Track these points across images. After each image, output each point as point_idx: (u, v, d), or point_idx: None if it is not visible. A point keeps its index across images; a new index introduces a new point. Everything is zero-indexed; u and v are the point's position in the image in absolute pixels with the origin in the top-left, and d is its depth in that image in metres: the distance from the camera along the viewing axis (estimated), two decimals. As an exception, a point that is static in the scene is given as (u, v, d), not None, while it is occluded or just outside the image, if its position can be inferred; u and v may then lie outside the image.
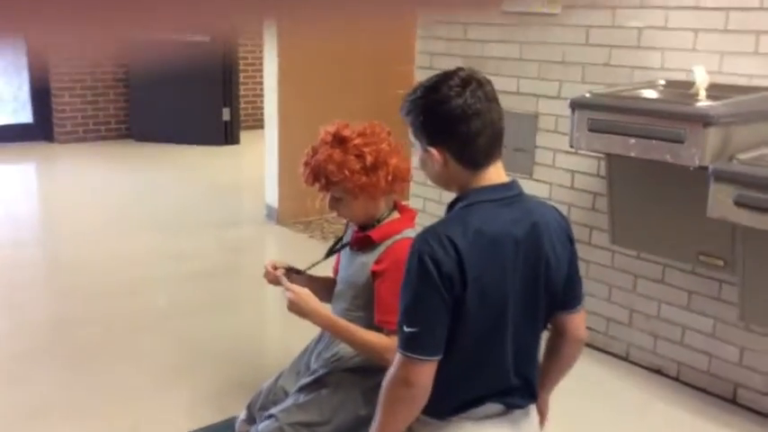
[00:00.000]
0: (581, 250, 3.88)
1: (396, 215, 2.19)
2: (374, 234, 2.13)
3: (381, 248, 2.10)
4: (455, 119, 1.56)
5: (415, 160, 1.71)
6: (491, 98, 1.60)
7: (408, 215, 2.19)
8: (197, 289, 4.59)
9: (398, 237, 2.08)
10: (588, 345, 3.80)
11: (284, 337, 4.01)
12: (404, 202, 2.26)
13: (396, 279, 1.92)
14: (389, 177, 2.10)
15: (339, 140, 2.11)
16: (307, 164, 2.16)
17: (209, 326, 4.05)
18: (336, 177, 2.08)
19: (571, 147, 3.14)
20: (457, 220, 1.59)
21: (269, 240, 5.97)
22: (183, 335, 3.93)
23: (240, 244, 5.67)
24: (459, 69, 1.60)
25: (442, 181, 1.67)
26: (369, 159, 2.07)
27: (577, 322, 1.80)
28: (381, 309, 2.04)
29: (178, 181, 7.34)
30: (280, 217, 5.95)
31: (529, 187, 3.81)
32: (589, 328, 3.81)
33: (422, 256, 1.52)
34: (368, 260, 2.13)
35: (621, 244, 3.49)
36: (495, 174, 1.63)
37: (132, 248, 5.33)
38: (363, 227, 2.22)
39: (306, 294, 2.09)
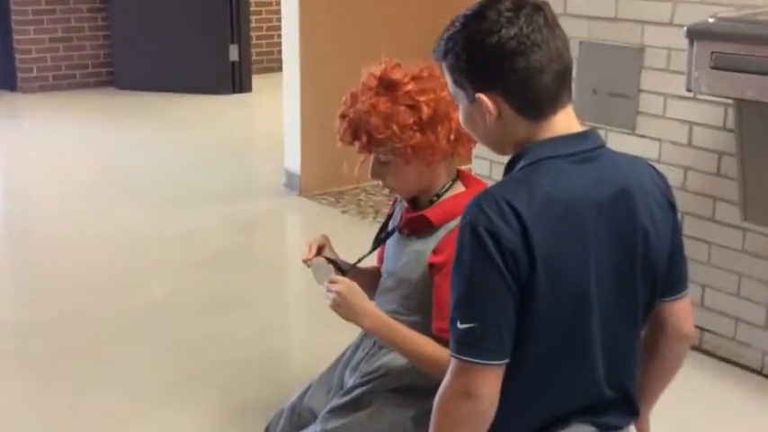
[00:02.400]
0: (701, 228, 3.84)
1: (460, 188, 2.18)
2: (432, 213, 2.12)
3: (442, 233, 2.08)
4: (509, 53, 1.57)
5: (459, 117, 1.72)
6: (552, 23, 1.62)
7: (477, 188, 2.15)
8: (198, 281, 4.63)
9: None
10: (710, 353, 3.76)
11: (311, 342, 4.03)
12: (469, 169, 2.25)
13: None
14: (452, 136, 2.09)
15: (387, 85, 2.10)
16: (344, 116, 2.16)
17: (215, 329, 4.09)
18: (382, 134, 2.07)
19: (688, 90, 3.09)
20: (519, 182, 1.60)
21: (289, 217, 6.01)
22: (182, 340, 3.98)
23: (253, 222, 5.71)
24: None
25: (497, 139, 1.67)
26: (426, 112, 2.07)
27: (682, 313, 1.81)
28: (442, 313, 2.03)
29: (173, 141, 7.42)
30: (303, 187, 5.98)
31: (630, 146, 3.76)
32: (711, 332, 3.76)
33: (475, 228, 1.54)
34: (424, 248, 2.12)
35: (756, 221, 3.42)
36: (565, 122, 1.64)
37: (116, 228, 5.40)
38: (416, 203, 2.21)
39: (356, 289, 2.10)
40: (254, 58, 9.55)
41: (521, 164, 1.63)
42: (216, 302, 4.36)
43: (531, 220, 1.53)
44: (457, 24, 1.63)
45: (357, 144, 2.14)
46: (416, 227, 2.15)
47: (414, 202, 2.22)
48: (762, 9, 3.15)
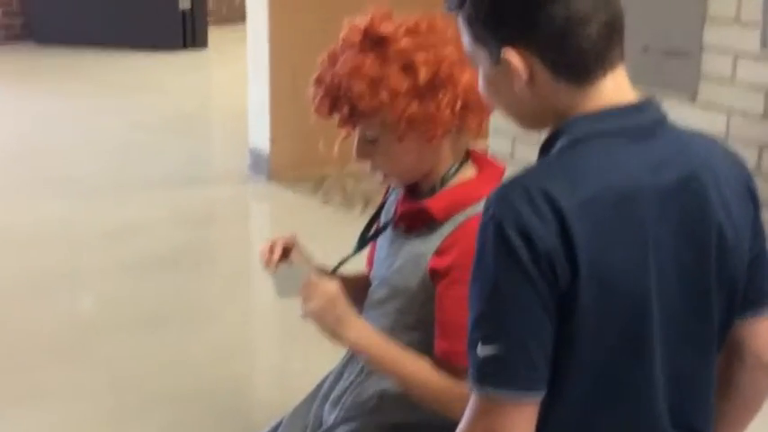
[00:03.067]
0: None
1: (470, 172, 2.18)
2: (434, 204, 2.12)
3: (447, 229, 2.08)
4: None
5: (479, 84, 1.71)
6: None
7: (491, 172, 2.16)
8: (139, 288, 4.63)
9: (477, 210, 2.05)
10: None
11: (282, 368, 4.04)
12: (484, 149, 2.25)
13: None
14: (458, 104, 2.08)
15: (374, 41, 2.09)
16: (319, 81, 2.15)
17: (160, 349, 4.08)
18: (368, 103, 2.07)
19: (765, 47, 3.11)
20: (557, 167, 1.59)
21: (255, 208, 6.01)
22: (117, 364, 3.97)
23: (209, 214, 5.72)
24: None
25: (527, 111, 1.67)
26: (424, 73, 2.06)
27: (765, 335, 1.80)
28: (446, 332, 2.04)
29: (107, 111, 7.42)
30: (273, 170, 5.99)
31: (690, 117, 3.75)
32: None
33: (502, 227, 1.52)
34: (424, 249, 2.11)
35: None
36: (616, 89, 1.62)
37: (33, 222, 5.40)
38: (415, 191, 2.21)
39: (337, 295, 2.10)
40: (210, 5, 9.56)
41: (559, 144, 1.61)
42: (161, 316, 4.36)
43: (573, 216, 1.51)
44: None
45: (337, 116, 2.14)
46: (414, 221, 2.15)
47: (412, 191, 2.21)
48: None
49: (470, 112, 2.11)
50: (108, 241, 5.14)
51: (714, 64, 3.86)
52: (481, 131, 2.17)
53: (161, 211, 5.54)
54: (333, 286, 2.10)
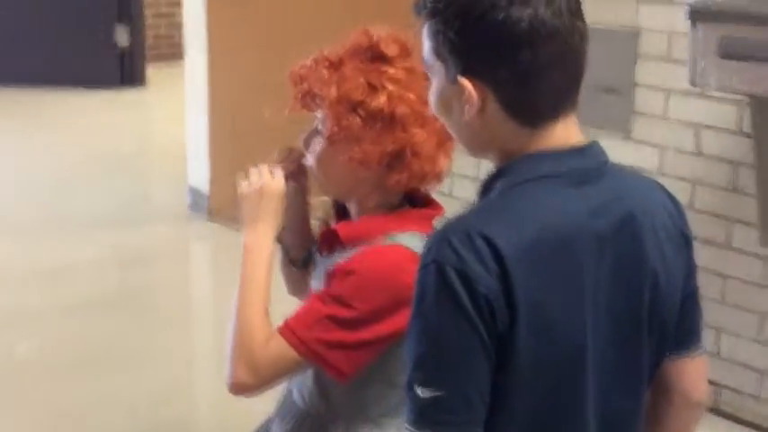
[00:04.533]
0: (713, 257, 3.84)
1: (402, 211, 2.19)
2: (343, 229, 2.16)
3: (349, 254, 2.11)
4: (515, 38, 1.55)
5: (430, 97, 1.71)
6: (575, 11, 1.60)
7: (422, 214, 2.18)
8: (76, 331, 4.58)
9: (382, 241, 2.09)
10: (730, 416, 3.79)
11: (222, 411, 3.99)
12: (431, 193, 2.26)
13: (340, 288, 2.01)
14: (386, 159, 2.09)
15: (373, 55, 2.12)
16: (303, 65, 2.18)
17: (103, 389, 4.04)
18: (319, 88, 2.11)
19: (692, 85, 3.14)
20: (498, 210, 1.60)
21: (195, 248, 5.98)
22: (59, 403, 3.92)
23: (148, 255, 5.66)
24: None
25: (473, 137, 1.66)
26: (380, 101, 2.07)
27: (694, 375, 1.82)
28: (296, 315, 2.08)
29: (43, 149, 7.35)
30: (213, 208, 5.96)
31: (624, 154, 3.78)
32: (730, 389, 3.80)
33: (443, 270, 1.52)
34: (327, 266, 2.15)
35: (782, 246, 3.47)
36: (564, 133, 1.63)
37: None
38: (345, 215, 2.25)
39: (272, 194, 2.16)
40: (148, 42, 9.52)
41: (500, 185, 1.62)
42: (101, 358, 4.32)
43: (513, 260, 1.51)
44: None
45: (299, 92, 2.17)
46: (327, 244, 2.20)
47: (343, 213, 2.25)
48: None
49: (399, 166, 2.11)
50: (46, 282, 5.09)
51: (646, 101, 3.90)
52: (396, 193, 2.17)
53: (100, 251, 5.49)
54: (276, 184, 2.17)
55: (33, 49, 8.86)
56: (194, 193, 6.10)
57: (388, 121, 2.08)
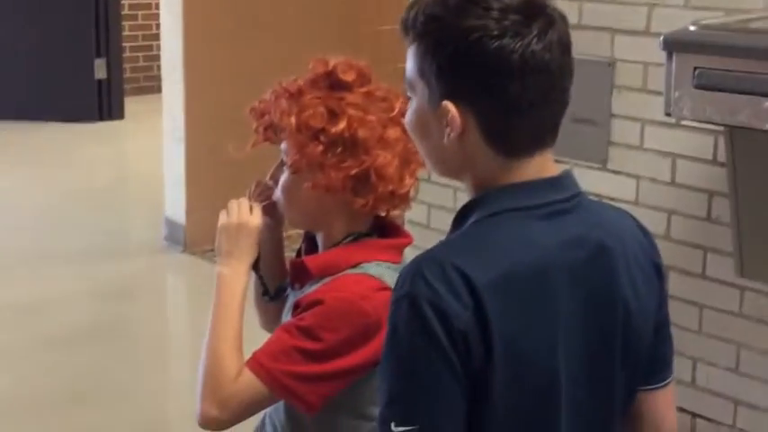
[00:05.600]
0: (689, 286, 3.85)
1: (369, 241, 2.19)
2: (311, 261, 2.17)
3: (317, 286, 2.12)
4: (505, 69, 1.55)
5: (407, 116, 1.69)
6: (565, 46, 1.61)
7: (389, 243, 2.19)
8: (60, 362, 4.56)
9: (348, 271, 2.10)
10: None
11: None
12: (398, 221, 2.27)
13: (307, 319, 2.00)
14: (354, 180, 2.09)
15: (331, 83, 2.14)
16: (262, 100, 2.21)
17: (81, 423, 4.03)
18: (279, 119, 2.12)
19: (668, 115, 3.14)
20: (472, 243, 1.59)
21: (171, 281, 5.95)
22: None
23: (124, 288, 5.64)
24: None
25: (449, 160, 1.65)
26: (339, 128, 2.08)
27: (663, 406, 1.80)
28: (266, 346, 2.07)
29: (20, 183, 7.32)
30: (189, 240, 5.96)
31: (601, 184, 3.82)
32: (706, 419, 3.80)
33: (416, 303, 1.51)
34: (296, 298, 2.16)
35: (756, 276, 3.47)
36: (540, 165, 1.63)
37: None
38: (309, 245, 2.26)
39: (250, 229, 2.17)
40: (126, 75, 9.53)
41: (474, 217, 1.61)
42: (78, 392, 4.30)
43: (488, 293, 1.50)
44: (450, 3, 1.58)
45: (260, 125, 2.19)
46: (297, 276, 2.20)
47: (314, 246, 2.26)
48: (754, 14, 3.22)
49: (365, 190, 2.11)
50: (22, 316, 5.06)
51: (623, 132, 3.92)
52: (364, 220, 2.17)
53: (77, 284, 5.47)
54: (254, 221, 2.18)
55: (12, 82, 8.85)
56: (170, 224, 6.09)
57: (349, 145, 2.09)
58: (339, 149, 2.09)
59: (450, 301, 1.50)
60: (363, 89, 2.14)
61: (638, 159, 3.89)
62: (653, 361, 1.75)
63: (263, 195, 2.27)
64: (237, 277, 2.16)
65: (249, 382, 2.02)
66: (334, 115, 2.10)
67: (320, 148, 2.09)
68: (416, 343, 1.51)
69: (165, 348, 4.98)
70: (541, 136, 1.61)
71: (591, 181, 3.73)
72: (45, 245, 6.08)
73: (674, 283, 3.72)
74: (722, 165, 3.55)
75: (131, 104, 9.21)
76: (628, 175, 3.91)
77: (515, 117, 1.57)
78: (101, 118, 9.05)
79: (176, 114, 5.96)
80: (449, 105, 1.58)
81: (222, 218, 2.20)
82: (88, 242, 6.13)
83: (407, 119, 1.69)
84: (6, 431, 3.99)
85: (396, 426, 1.53)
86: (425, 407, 1.53)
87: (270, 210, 2.26)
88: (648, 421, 1.80)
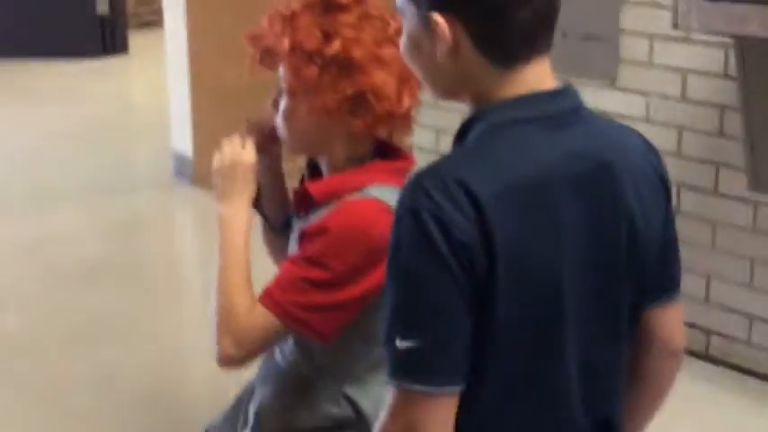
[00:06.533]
0: (701, 203, 3.86)
1: (372, 164, 2.20)
2: (315, 187, 2.18)
3: (323, 211, 2.13)
4: None
5: (401, 41, 1.70)
6: None
7: (392, 166, 2.19)
8: (68, 300, 4.58)
9: (355, 195, 2.10)
10: (719, 360, 3.82)
11: (213, 378, 3.97)
12: (407, 145, 2.27)
13: (313, 248, 2.01)
14: (347, 103, 2.10)
15: (325, 6, 2.13)
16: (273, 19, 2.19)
17: (91, 361, 4.05)
18: (274, 43, 2.12)
19: (675, 28, 3.13)
20: (473, 156, 1.59)
21: (180, 215, 5.98)
22: (41, 383, 3.92)
23: (132, 223, 5.67)
24: None
25: (445, 79, 1.66)
26: (336, 47, 2.09)
27: (671, 323, 1.83)
28: (276, 280, 2.10)
29: (23, 120, 7.33)
30: (198, 173, 5.92)
31: (610, 102, 3.80)
32: (719, 334, 3.82)
33: (419, 217, 1.51)
34: (302, 227, 2.17)
35: (769, 190, 3.50)
36: (537, 77, 1.63)
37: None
38: (317, 172, 2.27)
39: (245, 166, 2.18)
40: (130, 9, 9.48)
41: (475, 131, 1.61)
42: (87, 330, 4.32)
43: (490, 205, 1.51)
44: None
45: (257, 50, 2.19)
46: (300, 204, 2.22)
47: (315, 171, 2.27)
48: None
49: (363, 111, 2.12)
50: (29, 254, 5.08)
51: (632, 48, 3.90)
52: (362, 141, 2.17)
53: (84, 220, 5.49)
54: (248, 156, 2.20)
55: (13, 19, 8.83)
56: (178, 159, 6.10)
57: (345, 65, 2.10)
58: (334, 71, 2.09)
59: (452, 213, 1.50)
60: (359, 10, 2.13)
61: (647, 76, 3.88)
62: (661, 279, 1.76)
63: (258, 128, 2.28)
64: (238, 215, 2.18)
65: (263, 317, 2.04)
66: (328, 36, 2.10)
67: (315, 69, 2.09)
68: (419, 256, 1.52)
69: (177, 282, 5.00)
70: (532, 41, 1.61)
71: (599, 99, 3.72)
72: (52, 181, 6.09)
73: (687, 200, 3.73)
74: (733, 79, 3.53)
75: (136, 38, 9.21)
76: (637, 92, 3.91)
77: (503, 19, 1.57)
78: (104, 53, 9.03)
79: (179, 48, 5.94)
80: (436, 16, 1.58)
81: (216, 159, 2.21)
82: (95, 177, 6.14)
83: (402, 45, 1.69)
84: (19, 368, 4.00)
85: (400, 340, 1.54)
86: (429, 320, 1.54)
87: (267, 143, 2.27)
88: (657, 339, 1.82)
